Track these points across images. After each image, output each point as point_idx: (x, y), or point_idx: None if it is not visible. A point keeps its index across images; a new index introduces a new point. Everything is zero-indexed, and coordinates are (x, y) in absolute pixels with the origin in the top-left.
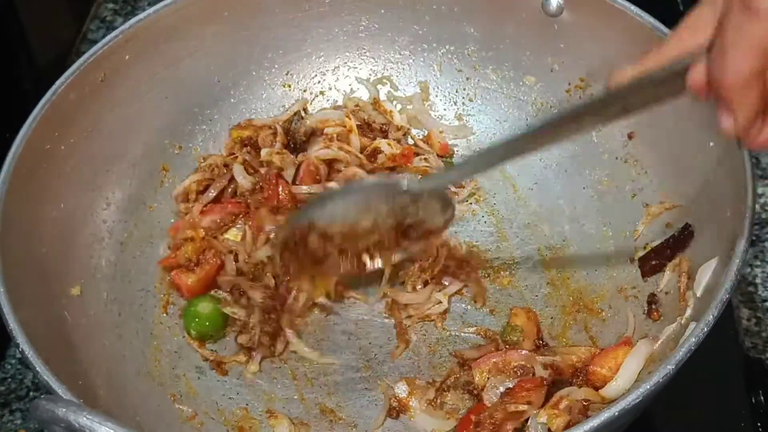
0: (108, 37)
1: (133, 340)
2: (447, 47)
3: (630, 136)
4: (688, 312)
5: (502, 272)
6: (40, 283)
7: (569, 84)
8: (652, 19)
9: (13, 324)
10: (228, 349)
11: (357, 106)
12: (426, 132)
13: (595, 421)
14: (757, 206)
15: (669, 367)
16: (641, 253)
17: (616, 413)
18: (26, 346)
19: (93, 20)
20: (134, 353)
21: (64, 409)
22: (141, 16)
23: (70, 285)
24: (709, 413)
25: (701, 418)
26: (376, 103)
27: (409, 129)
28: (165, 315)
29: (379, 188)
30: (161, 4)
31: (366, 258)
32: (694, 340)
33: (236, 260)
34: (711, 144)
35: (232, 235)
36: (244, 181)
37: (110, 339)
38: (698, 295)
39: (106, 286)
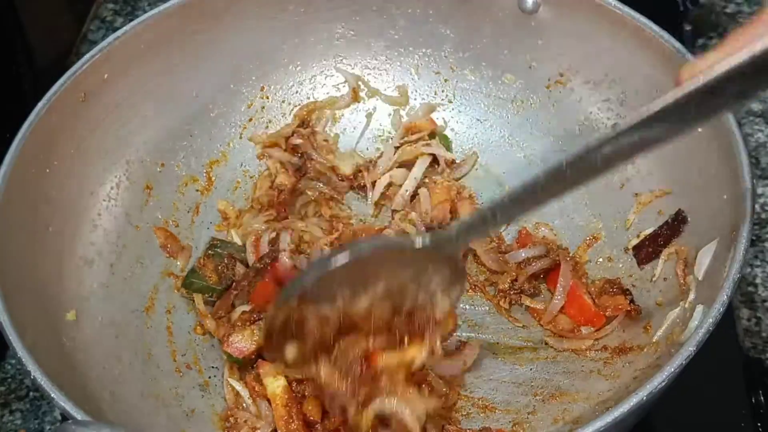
0: (86, 56)
1: (132, 362)
2: (423, 50)
3: (615, 127)
4: (692, 296)
5: None
6: (39, 309)
7: (549, 80)
8: (632, 12)
9: (21, 352)
10: None
11: None
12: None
13: (625, 407)
14: (756, 206)
15: (690, 349)
16: (635, 242)
17: (644, 397)
18: (38, 374)
19: (93, 21)
20: (135, 375)
21: None
22: (117, 33)
23: (65, 310)
24: (709, 413)
25: (701, 418)
26: (355, 93)
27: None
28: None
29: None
30: (137, 21)
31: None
32: (711, 320)
33: None
34: (699, 129)
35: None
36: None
37: (110, 362)
38: (700, 278)
39: (101, 309)
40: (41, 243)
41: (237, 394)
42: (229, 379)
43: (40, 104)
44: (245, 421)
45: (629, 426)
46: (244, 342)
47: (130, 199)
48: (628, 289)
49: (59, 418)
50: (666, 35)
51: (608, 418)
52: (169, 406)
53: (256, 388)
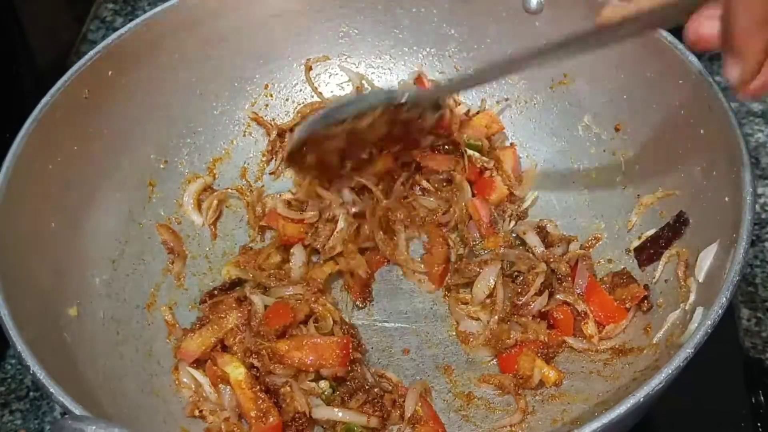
0: (91, 53)
1: (133, 358)
2: (428, 50)
3: (617, 128)
4: (692, 297)
5: None
6: (40, 304)
7: (552, 80)
8: None
9: (21, 347)
10: None
11: None
12: None
13: (622, 408)
14: (756, 206)
15: (688, 351)
16: (636, 244)
17: (642, 398)
18: (37, 368)
19: (93, 20)
20: (136, 371)
21: (93, 427)
22: (121, 31)
23: (67, 306)
24: (709, 413)
25: (701, 418)
26: (359, 92)
27: None
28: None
29: (378, 99)
30: (141, 18)
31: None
32: (710, 322)
33: None
34: (701, 131)
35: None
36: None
37: (111, 358)
38: (701, 280)
39: (102, 305)
40: (43, 239)
41: (197, 384)
42: (188, 369)
43: (43, 101)
44: (211, 412)
45: (628, 426)
46: (193, 347)
47: (133, 196)
48: (635, 278)
49: (59, 417)
50: (670, 36)
51: (605, 419)
52: (169, 402)
53: (218, 373)
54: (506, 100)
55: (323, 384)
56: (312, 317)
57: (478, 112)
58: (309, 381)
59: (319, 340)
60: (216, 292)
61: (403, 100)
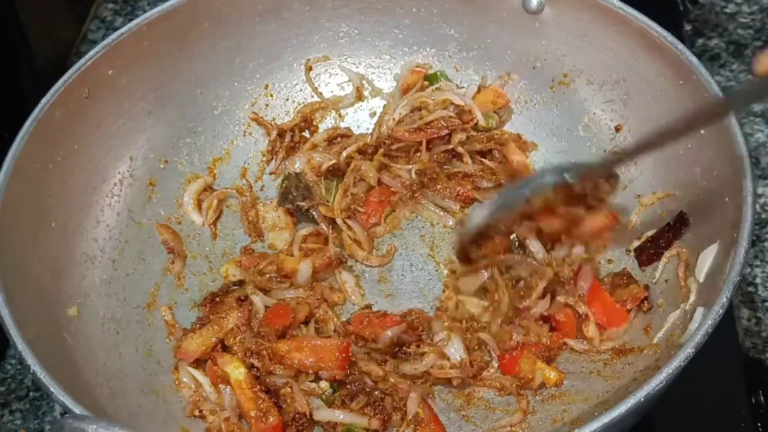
0: (91, 52)
1: (133, 358)
2: (428, 50)
3: (617, 129)
4: (692, 298)
5: None
6: (40, 304)
7: (552, 80)
8: (636, 13)
9: (21, 346)
10: None
11: None
12: None
13: (622, 408)
14: (757, 206)
15: (688, 351)
16: (636, 244)
17: (642, 398)
18: (37, 368)
19: (93, 20)
20: (136, 371)
21: (93, 426)
22: (122, 30)
23: (67, 305)
24: (709, 413)
25: (701, 418)
26: (359, 92)
27: None
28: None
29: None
30: (141, 18)
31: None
32: (710, 322)
33: None
34: (702, 131)
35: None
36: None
37: (111, 357)
38: (701, 280)
39: (102, 305)
40: (44, 238)
41: (197, 384)
42: (188, 369)
43: (43, 100)
44: (211, 412)
45: (628, 426)
46: (193, 347)
47: (133, 196)
48: (635, 278)
49: (59, 417)
50: (670, 36)
51: (606, 419)
52: (169, 402)
53: (218, 373)
54: (509, 74)
55: (324, 384)
56: (313, 319)
57: (480, 89)
58: (309, 381)
59: (319, 342)
60: (217, 299)
61: (571, 180)
